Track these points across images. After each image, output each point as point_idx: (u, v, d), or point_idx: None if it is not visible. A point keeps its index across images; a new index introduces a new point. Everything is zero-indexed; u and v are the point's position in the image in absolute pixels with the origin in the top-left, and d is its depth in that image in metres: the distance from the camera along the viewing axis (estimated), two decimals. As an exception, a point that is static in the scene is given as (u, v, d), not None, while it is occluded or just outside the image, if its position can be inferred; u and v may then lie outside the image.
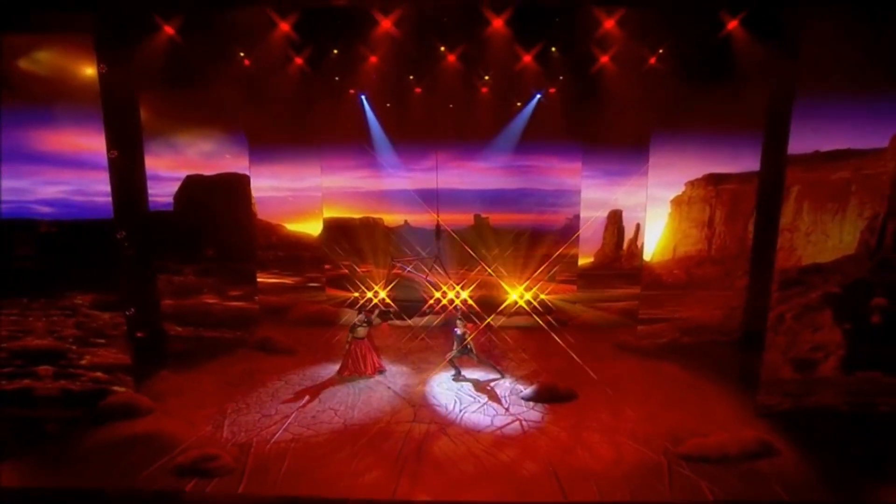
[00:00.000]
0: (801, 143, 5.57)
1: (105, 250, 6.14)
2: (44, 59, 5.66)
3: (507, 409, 6.16)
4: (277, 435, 5.60)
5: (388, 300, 8.76)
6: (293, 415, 5.99)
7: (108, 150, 6.00)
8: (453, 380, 6.92)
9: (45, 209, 5.96)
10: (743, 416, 5.98)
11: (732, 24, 6.44)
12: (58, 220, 6.01)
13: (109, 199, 5.99)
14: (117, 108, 6.27)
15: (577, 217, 8.98)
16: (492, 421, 5.90)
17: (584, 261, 9.16)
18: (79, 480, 4.87)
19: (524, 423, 5.88)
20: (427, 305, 8.78)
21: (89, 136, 5.93)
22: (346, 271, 9.48)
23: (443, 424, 5.80)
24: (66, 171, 5.93)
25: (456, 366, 7.00)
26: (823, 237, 5.75)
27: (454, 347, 6.98)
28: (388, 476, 4.96)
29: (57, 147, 5.91)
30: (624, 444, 5.47)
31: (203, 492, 4.76)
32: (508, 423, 5.85)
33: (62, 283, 6.15)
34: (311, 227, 9.44)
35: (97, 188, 6.00)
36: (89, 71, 5.77)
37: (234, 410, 6.09)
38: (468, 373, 7.00)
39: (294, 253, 9.46)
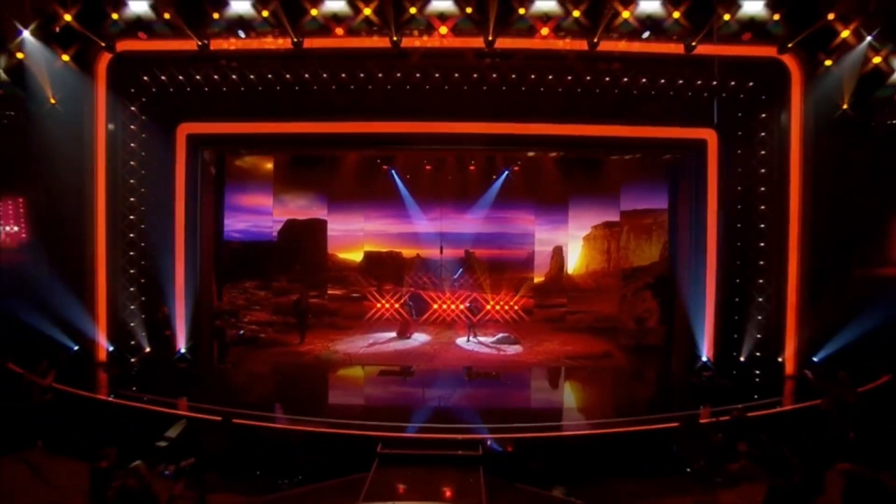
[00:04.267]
0: (627, 205, 13.29)
1: (264, 258, 13.48)
2: (249, 160, 13.31)
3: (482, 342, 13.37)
4: (359, 351, 12.79)
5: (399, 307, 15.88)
6: (363, 348, 13.17)
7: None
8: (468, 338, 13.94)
9: (237, 235, 13.39)
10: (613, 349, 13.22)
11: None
12: (242, 241, 13.44)
13: (272, 229, 13.43)
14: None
15: (533, 252, 16.27)
16: (473, 347, 13.16)
17: (538, 279, 16.38)
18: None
19: (490, 348, 13.14)
20: (430, 311, 15.92)
21: (262, 198, 13.53)
22: (375, 289, 16.60)
23: (447, 347, 13.08)
24: (250, 215, 13.43)
25: (474, 327, 14.08)
26: (641, 252, 13.22)
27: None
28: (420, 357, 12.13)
29: (247, 203, 13.48)
30: (539, 354, 12.70)
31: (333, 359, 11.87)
32: (483, 348, 13.15)
33: (240, 275, 13.40)
34: (354, 256, 16.64)
35: (264, 223, 13.49)
36: (269, 166, 13.42)
37: (332, 343, 13.26)
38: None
39: (342, 274, 16.60)
